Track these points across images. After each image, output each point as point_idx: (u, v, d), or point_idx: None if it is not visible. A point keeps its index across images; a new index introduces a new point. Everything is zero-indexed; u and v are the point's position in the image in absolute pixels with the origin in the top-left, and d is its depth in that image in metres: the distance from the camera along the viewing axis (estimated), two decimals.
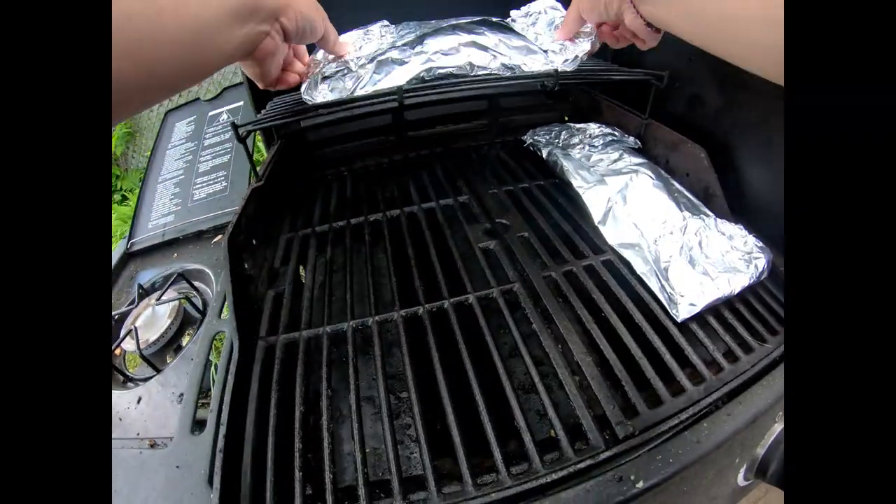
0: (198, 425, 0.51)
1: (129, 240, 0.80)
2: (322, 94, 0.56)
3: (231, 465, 0.40)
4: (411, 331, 0.48)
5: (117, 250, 0.81)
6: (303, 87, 0.57)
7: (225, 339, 0.54)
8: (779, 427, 0.48)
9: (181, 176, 0.80)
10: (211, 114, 0.86)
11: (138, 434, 0.53)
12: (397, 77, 0.55)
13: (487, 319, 0.48)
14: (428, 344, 0.46)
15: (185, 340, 0.70)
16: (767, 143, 0.59)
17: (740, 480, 0.51)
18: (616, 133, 0.72)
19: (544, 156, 0.72)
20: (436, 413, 0.41)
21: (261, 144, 1.20)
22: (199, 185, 0.77)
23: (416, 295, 0.52)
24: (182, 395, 0.54)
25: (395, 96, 0.53)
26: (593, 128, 0.73)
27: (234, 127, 0.54)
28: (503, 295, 0.51)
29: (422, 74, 0.56)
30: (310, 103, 0.54)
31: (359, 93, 0.55)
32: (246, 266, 0.54)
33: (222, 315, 0.58)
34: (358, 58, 0.58)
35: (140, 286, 0.71)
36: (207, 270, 0.68)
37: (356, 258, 0.59)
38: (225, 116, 0.84)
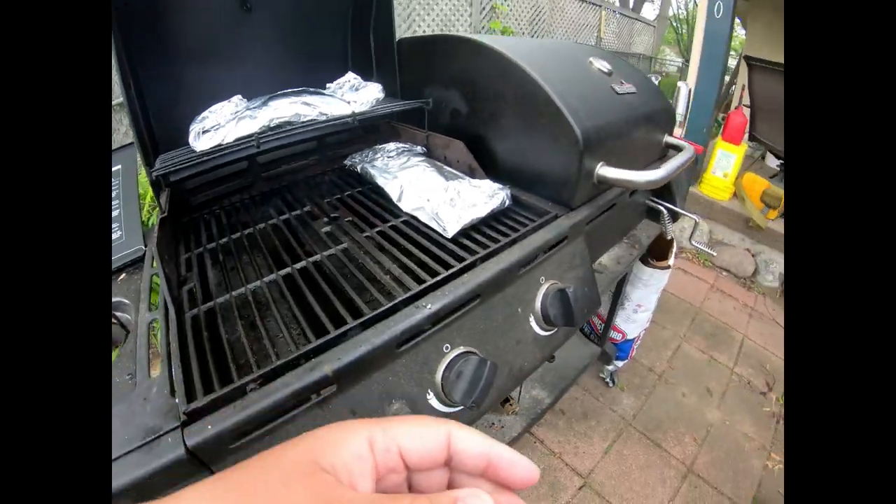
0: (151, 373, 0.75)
1: None
2: (203, 143, 0.88)
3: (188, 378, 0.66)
4: (287, 282, 0.79)
5: None
6: (190, 139, 0.89)
7: (159, 323, 0.80)
8: (545, 287, 0.82)
9: None
10: None
11: None
12: (251, 126, 0.89)
13: (335, 266, 0.81)
14: (299, 285, 0.77)
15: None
16: (497, 130, 1.02)
17: (537, 329, 0.83)
18: (407, 146, 1.11)
19: (359, 171, 1.09)
20: (309, 314, 0.72)
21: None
22: None
23: (286, 264, 0.83)
24: (131, 374, 0.76)
25: (254, 140, 0.86)
26: (391, 146, 1.12)
27: (153, 175, 0.83)
28: (341, 252, 0.84)
29: (268, 123, 0.90)
30: (198, 150, 0.86)
31: (227, 141, 0.88)
32: (166, 270, 0.81)
33: (151, 308, 0.84)
34: (226, 116, 0.91)
35: None
36: (124, 299, 0.92)
37: (243, 258, 0.89)
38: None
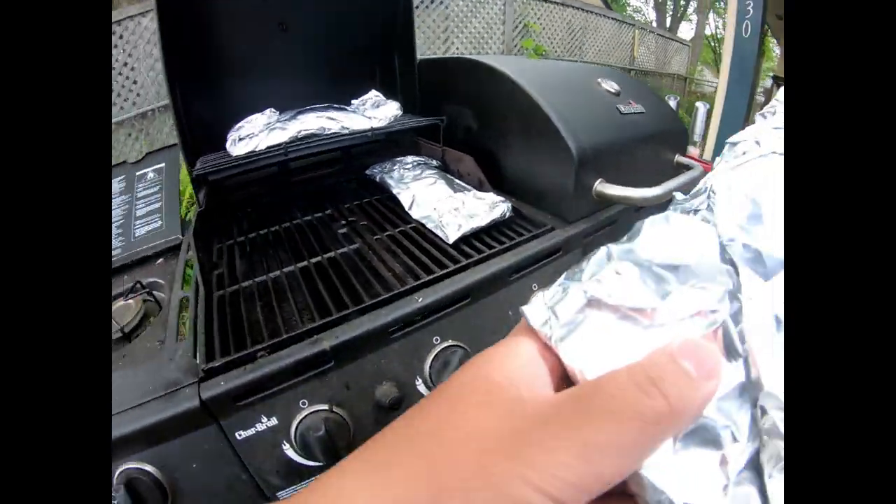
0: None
1: None
2: (239, 149, 1.04)
3: (209, 344, 0.77)
4: (303, 273, 0.93)
5: None
6: (228, 145, 1.04)
7: (190, 301, 0.94)
8: (536, 293, 0.97)
9: (121, 221, 1.19)
10: (138, 174, 1.26)
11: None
12: (281, 137, 1.04)
13: (346, 262, 0.94)
14: (313, 277, 0.91)
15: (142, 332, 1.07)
16: (504, 146, 1.15)
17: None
18: (424, 159, 1.25)
19: (377, 180, 1.23)
20: (319, 300, 0.85)
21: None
22: (139, 226, 1.16)
23: (304, 258, 0.97)
24: (161, 340, 0.87)
25: (282, 148, 1.01)
26: (409, 159, 1.25)
27: (193, 173, 0.99)
28: (353, 251, 0.98)
29: (296, 134, 1.05)
30: (233, 155, 1.01)
31: (259, 148, 1.03)
32: (200, 255, 0.96)
33: (184, 287, 0.99)
34: (260, 126, 1.06)
35: None
36: (159, 280, 1.08)
37: (268, 251, 1.04)
38: (151, 175, 1.24)
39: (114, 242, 1.16)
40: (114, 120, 3.33)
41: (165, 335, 0.89)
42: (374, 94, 1.23)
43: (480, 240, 0.99)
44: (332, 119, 1.09)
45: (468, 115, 1.24)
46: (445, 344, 0.78)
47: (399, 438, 0.24)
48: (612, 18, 7.01)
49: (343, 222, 1.09)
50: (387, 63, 1.39)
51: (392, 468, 0.22)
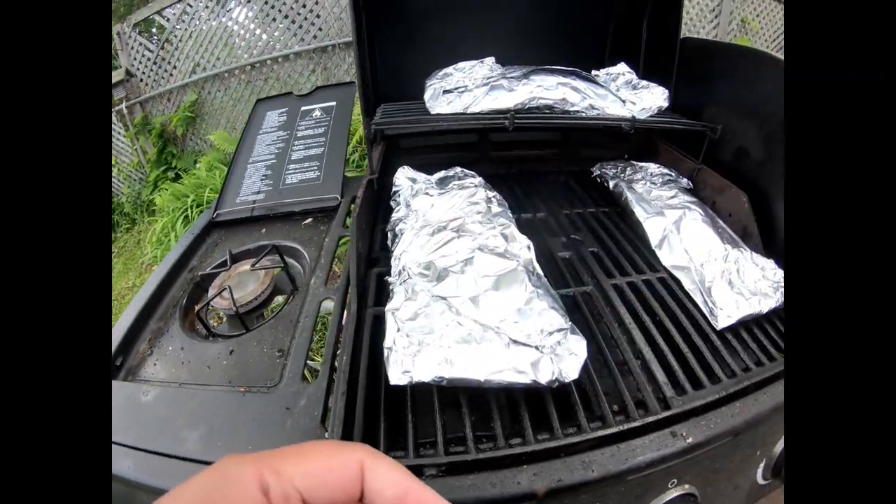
0: (308, 375, 0.64)
1: (214, 210, 0.95)
2: (442, 105, 0.74)
3: (349, 409, 0.51)
4: None
5: (202, 219, 0.95)
6: (427, 96, 0.75)
7: (334, 306, 0.68)
8: None
9: (272, 160, 0.96)
10: (303, 108, 1.02)
11: (230, 382, 0.65)
12: (506, 100, 0.74)
13: (568, 311, 0.63)
14: None
15: (270, 307, 0.83)
16: None
17: (759, 478, 0.65)
18: (672, 174, 0.89)
19: (611, 187, 0.89)
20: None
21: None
22: (292, 172, 0.93)
23: None
24: (282, 350, 0.67)
25: (507, 117, 0.70)
26: (653, 167, 0.90)
27: (371, 127, 0.71)
28: (580, 295, 0.67)
29: (527, 101, 0.73)
30: (433, 112, 0.72)
31: (472, 109, 0.73)
32: (359, 245, 0.69)
33: (328, 284, 0.73)
34: (477, 80, 0.75)
35: (230, 252, 0.85)
36: (300, 248, 0.83)
37: None
38: (318, 113, 1.00)
39: (258, 185, 0.93)
40: (292, 50, 3.24)
41: (288, 348, 0.65)
42: (625, 70, 0.89)
43: (753, 335, 0.65)
44: (577, 91, 0.77)
45: (749, 134, 0.86)
46: (679, 491, 0.54)
47: None
48: None
49: (563, 239, 0.77)
50: (627, 32, 1.04)
51: None
